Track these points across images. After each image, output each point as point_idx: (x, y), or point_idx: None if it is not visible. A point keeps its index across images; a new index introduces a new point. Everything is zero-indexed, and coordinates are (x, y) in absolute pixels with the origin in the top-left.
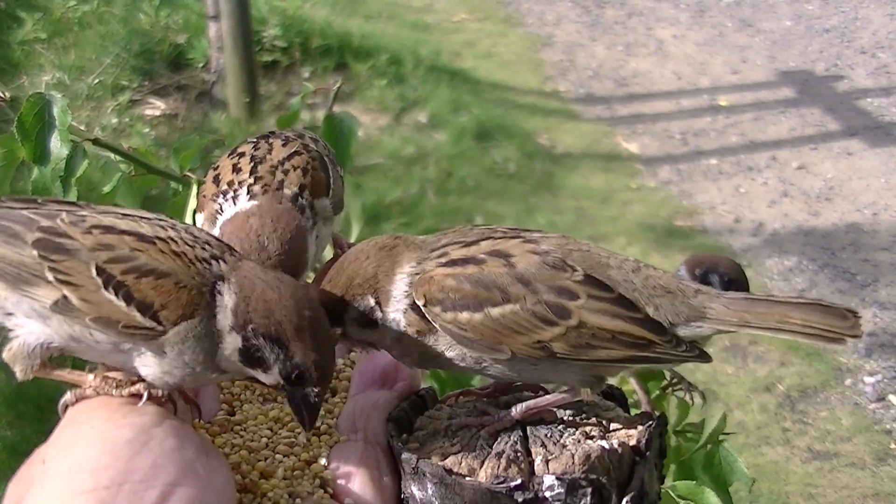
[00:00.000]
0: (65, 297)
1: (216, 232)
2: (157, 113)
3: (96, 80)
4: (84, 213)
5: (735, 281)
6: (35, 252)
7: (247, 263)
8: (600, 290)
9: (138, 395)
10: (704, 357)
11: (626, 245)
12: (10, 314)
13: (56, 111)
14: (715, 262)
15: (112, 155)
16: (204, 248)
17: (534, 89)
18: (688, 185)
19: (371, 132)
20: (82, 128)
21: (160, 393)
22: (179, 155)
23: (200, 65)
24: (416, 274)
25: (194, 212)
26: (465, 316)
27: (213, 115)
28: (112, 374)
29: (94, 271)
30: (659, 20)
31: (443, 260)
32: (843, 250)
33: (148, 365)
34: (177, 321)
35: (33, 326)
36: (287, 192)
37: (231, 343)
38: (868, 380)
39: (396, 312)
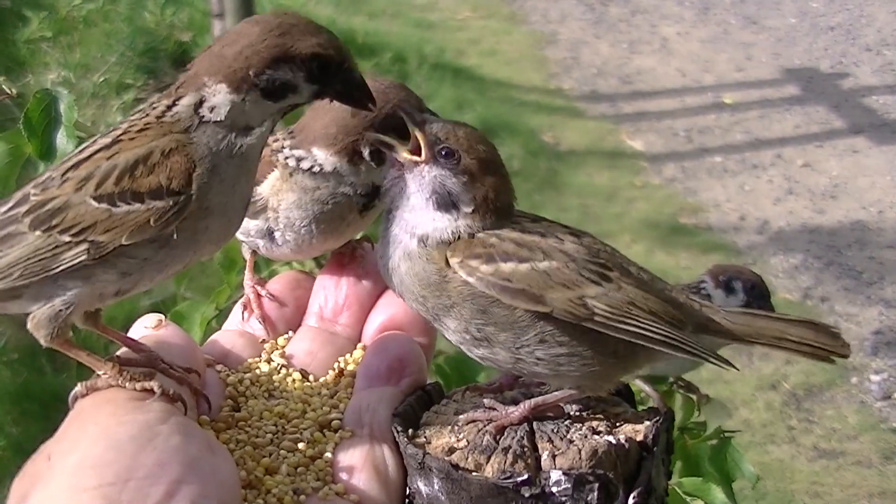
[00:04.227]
0: (90, 241)
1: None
2: None
3: (101, 79)
4: (44, 177)
5: (757, 286)
6: (38, 232)
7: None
8: (629, 276)
9: (150, 391)
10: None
11: (630, 242)
12: (51, 299)
13: (62, 107)
14: (738, 270)
15: None
16: (154, 108)
17: (538, 87)
18: (692, 183)
19: None
20: (88, 125)
21: (171, 391)
22: None
23: None
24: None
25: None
26: (508, 266)
27: None
28: (127, 367)
29: (94, 203)
30: (663, 17)
31: (515, 226)
32: (848, 248)
33: (211, 220)
34: (190, 178)
35: (73, 292)
36: None
37: (249, 104)
38: (874, 378)
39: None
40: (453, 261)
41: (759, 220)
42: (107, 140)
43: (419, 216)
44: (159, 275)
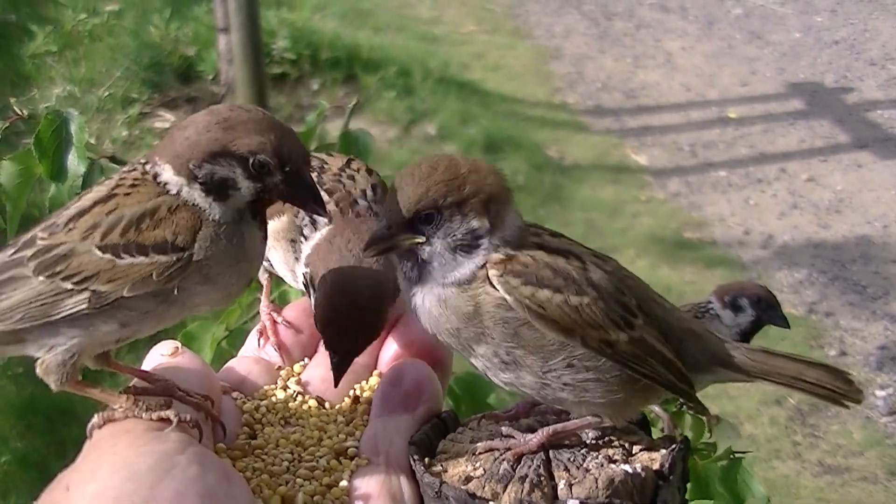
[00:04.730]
0: (93, 291)
1: (301, 262)
2: (167, 125)
3: (107, 93)
4: (50, 221)
5: (763, 298)
6: (41, 277)
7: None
8: (651, 319)
9: (167, 420)
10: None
11: (635, 257)
12: (53, 346)
13: (73, 128)
14: (741, 287)
15: None
16: (144, 166)
17: (542, 101)
18: (697, 197)
19: (380, 144)
20: (92, 141)
21: (188, 417)
22: None
23: (210, 77)
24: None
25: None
26: (545, 294)
27: None
28: (143, 397)
29: (99, 253)
30: (667, 32)
31: (535, 238)
32: (853, 263)
33: (209, 287)
34: (194, 236)
35: (74, 341)
36: (356, 190)
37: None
38: (879, 393)
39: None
40: (493, 273)
41: (764, 234)
42: (102, 191)
43: (451, 268)
44: (157, 326)
